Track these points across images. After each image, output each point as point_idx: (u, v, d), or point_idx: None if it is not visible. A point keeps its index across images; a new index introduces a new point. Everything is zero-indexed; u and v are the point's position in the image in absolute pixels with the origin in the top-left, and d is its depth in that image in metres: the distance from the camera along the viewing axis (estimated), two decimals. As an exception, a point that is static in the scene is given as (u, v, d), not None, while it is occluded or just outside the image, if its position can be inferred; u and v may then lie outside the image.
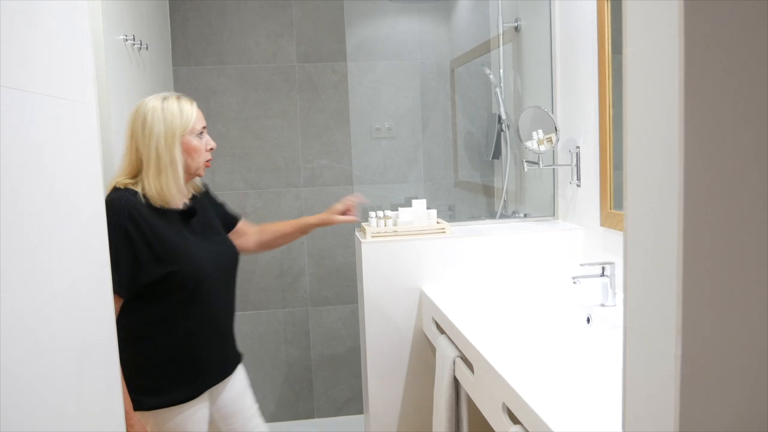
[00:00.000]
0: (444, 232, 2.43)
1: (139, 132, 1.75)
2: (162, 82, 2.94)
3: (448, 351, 1.97)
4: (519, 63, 2.88)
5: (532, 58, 2.78)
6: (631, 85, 0.72)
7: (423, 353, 2.43)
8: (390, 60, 3.14)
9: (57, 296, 1.24)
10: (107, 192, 1.74)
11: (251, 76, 3.25)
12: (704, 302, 0.65)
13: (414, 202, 2.50)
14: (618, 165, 2.18)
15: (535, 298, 2.24)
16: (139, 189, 1.74)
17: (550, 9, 2.57)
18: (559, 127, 2.51)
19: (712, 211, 0.64)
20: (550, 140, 2.45)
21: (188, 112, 1.78)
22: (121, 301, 1.70)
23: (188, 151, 1.79)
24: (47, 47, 1.31)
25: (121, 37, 2.22)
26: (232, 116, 3.26)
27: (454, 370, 1.94)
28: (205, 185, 2.01)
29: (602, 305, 1.99)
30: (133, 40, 2.34)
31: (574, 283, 2.01)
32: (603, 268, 2.00)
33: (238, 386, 2.00)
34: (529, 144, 2.47)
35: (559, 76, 2.59)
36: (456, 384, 1.97)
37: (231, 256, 1.95)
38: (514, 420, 1.42)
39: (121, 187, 1.74)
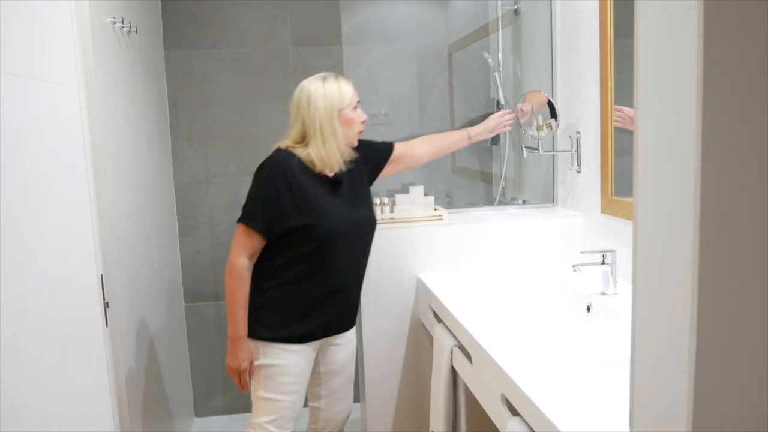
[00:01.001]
0: (442, 219, 2.39)
1: (304, 107, 2.01)
2: (153, 65, 2.88)
3: (445, 340, 1.94)
4: (518, 47, 2.83)
5: (532, 41, 2.72)
6: (643, 62, 0.67)
7: (420, 342, 2.40)
8: (386, 44, 3.09)
9: (39, 286, 1.20)
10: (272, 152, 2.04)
11: (245, 60, 3.19)
12: (721, 294, 0.61)
13: (411, 188, 2.46)
14: (619, 151, 2.13)
15: (534, 287, 2.21)
16: (299, 153, 2.00)
17: (550, -9, 2.52)
18: (560, 112, 2.46)
19: (732, 197, 0.60)
20: (549, 126, 2.41)
21: (345, 90, 2.02)
22: (263, 243, 1.98)
23: (346, 122, 2.03)
24: (29, 29, 1.26)
25: (110, 19, 2.16)
26: (226, 101, 3.20)
27: (451, 360, 1.91)
28: (361, 143, 2.16)
29: (603, 293, 1.95)
30: (122, 23, 2.28)
31: (574, 271, 1.97)
32: (603, 256, 1.96)
33: (350, 350, 2.22)
34: (528, 129, 2.43)
35: (560, 60, 2.54)
36: (453, 374, 1.94)
37: (367, 223, 2.13)
38: (514, 412, 1.39)
39: (284, 148, 2.03)
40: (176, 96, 3.16)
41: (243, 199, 3.23)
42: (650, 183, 0.67)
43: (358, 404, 2.44)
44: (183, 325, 3.25)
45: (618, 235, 2.13)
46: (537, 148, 2.46)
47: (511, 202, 2.78)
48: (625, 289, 1.97)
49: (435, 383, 2.04)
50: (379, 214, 2.38)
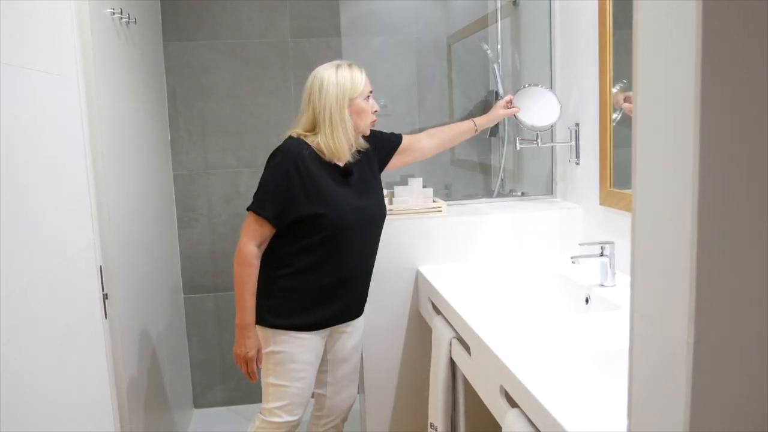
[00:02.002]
0: (440, 211, 2.39)
1: (316, 95, 2.00)
2: (151, 57, 2.87)
3: (444, 332, 1.94)
4: (517, 38, 2.82)
5: (531, 33, 2.72)
6: (642, 55, 0.67)
7: (419, 334, 2.40)
8: (385, 35, 3.07)
9: (38, 278, 1.20)
10: (283, 140, 2.03)
11: (244, 51, 3.18)
12: (719, 286, 0.61)
13: (410, 180, 2.46)
14: (618, 143, 2.13)
15: (532, 278, 2.21)
16: (311, 141, 1.99)
17: (549, -18, 2.51)
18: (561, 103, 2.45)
19: (730, 189, 0.60)
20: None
21: (358, 79, 2.01)
22: (273, 231, 1.98)
23: (357, 112, 2.02)
24: (27, 20, 1.26)
25: (108, 10, 2.15)
26: (225, 93, 3.20)
27: (450, 352, 1.91)
28: (371, 132, 2.16)
29: (601, 285, 1.96)
30: (121, 13, 2.27)
31: (573, 263, 1.97)
32: (602, 248, 1.97)
33: (357, 338, 2.22)
34: (526, 120, 2.41)
35: (559, 52, 2.53)
36: (452, 365, 1.94)
37: (377, 212, 2.14)
38: (512, 403, 1.39)
39: (295, 136, 2.01)
40: (175, 87, 3.15)
41: (242, 191, 3.25)
42: (649, 175, 0.67)
43: (358, 395, 2.45)
44: (182, 316, 3.25)
45: (617, 226, 2.14)
46: (536, 140, 2.45)
47: (510, 194, 2.78)
48: (623, 281, 1.97)
49: (434, 375, 2.05)
50: (379, 205, 2.38)
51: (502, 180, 2.83)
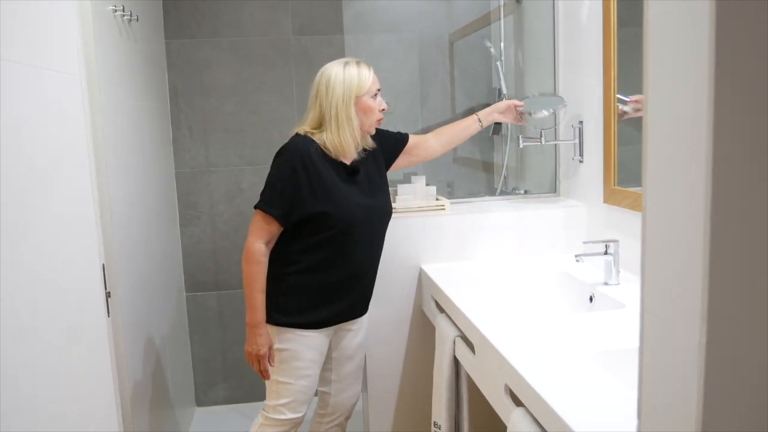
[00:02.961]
0: (444, 209, 2.39)
1: (323, 92, 1.99)
2: (153, 54, 2.87)
3: (447, 330, 1.93)
4: (520, 36, 2.81)
5: (534, 30, 2.71)
6: (653, 51, 0.66)
7: (423, 332, 2.39)
8: (388, 33, 3.06)
9: (41, 276, 1.19)
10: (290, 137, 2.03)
11: (246, 49, 3.17)
12: (732, 286, 0.60)
13: (413, 178, 2.45)
14: (622, 141, 2.12)
15: (536, 277, 2.21)
16: (317, 139, 1.99)
17: (553, -21, 2.50)
18: (567, 103, 2.44)
19: (744, 187, 0.59)
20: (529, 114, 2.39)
21: (365, 76, 2.00)
22: (280, 229, 1.98)
23: (364, 110, 2.01)
24: (31, 18, 1.25)
25: (111, 8, 2.14)
26: (227, 91, 3.19)
27: (454, 350, 1.90)
28: (378, 131, 2.16)
29: (605, 284, 1.95)
30: (123, 11, 2.26)
31: (577, 261, 1.97)
32: (606, 246, 1.96)
33: (362, 336, 2.23)
34: (529, 116, 2.40)
35: (562, 50, 2.52)
36: (456, 364, 1.94)
37: (383, 211, 2.13)
38: (517, 402, 1.39)
39: (302, 134, 2.00)
40: (177, 85, 3.14)
41: (244, 189, 3.24)
42: (660, 172, 0.67)
43: (361, 393, 2.45)
44: (184, 314, 3.25)
45: (620, 225, 2.13)
46: (540, 138, 2.44)
47: (513, 192, 2.77)
48: (627, 279, 1.96)
49: (437, 373, 2.04)
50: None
51: (505, 178, 2.82)
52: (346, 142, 1.98)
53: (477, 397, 1.89)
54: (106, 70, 2.06)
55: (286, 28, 3.18)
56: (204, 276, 3.30)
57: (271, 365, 2.03)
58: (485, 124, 2.34)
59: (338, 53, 3.16)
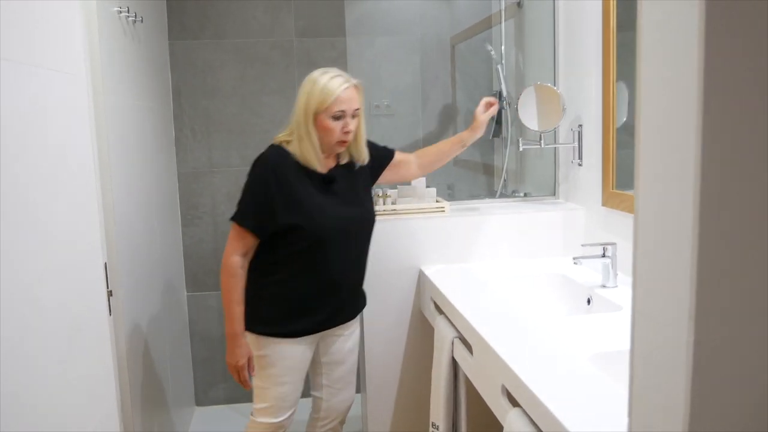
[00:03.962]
0: (443, 211, 2.40)
1: (297, 98, 1.95)
2: (157, 56, 2.89)
3: (446, 332, 1.95)
4: (521, 39, 2.83)
5: (535, 34, 2.72)
6: (645, 56, 0.68)
7: (421, 334, 2.41)
8: (389, 36, 3.08)
9: (46, 274, 1.21)
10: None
11: (249, 50, 3.19)
12: (720, 286, 0.62)
13: (413, 180, 2.46)
14: (621, 144, 2.14)
15: (535, 279, 2.22)
16: (291, 148, 1.96)
17: (553, -16, 2.52)
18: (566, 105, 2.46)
19: (731, 189, 0.61)
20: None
21: (329, 93, 1.90)
22: (257, 240, 1.97)
23: (321, 128, 1.93)
24: (36, 18, 1.27)
25: (115, 9, 2.16)
26: (229, 92, 3.21)
27: (452, 351, 1.92)
28: (370, 145, 2.12)
29: (603, 286, 1.97)
30: (128, 12, 2.28)
31: (575, 263, 1.98)
32: (604, 249, 1.97)
33: (353, 341, 2.20)
34: (527, 121, 2.42)
35: (562, 53, 2.54)
36: (454, 365, 1.95)
37: (362, 221, 2.08)
38: (514, 402, 1.40)
39: (277, 144, 1.98)
40: (180, 86, 3.16)
41: (246, 190, 3.25)
42: (651, 175, 0.68)
43: (359, 395, 2.46)
44: (185, 314, 3.26)
45: (619, 228, 2.14)
46: (539, 142, 2.46)
47: (513, 194, 2.79)
48: (625, 282, 1.98)
49: (436, 374, 2.05)
50: (381, 205, 2.39)
51: (505, 181, 2.83)
52: (308, 155, 1.94)
53: (475, 398, 1.91)
54: (111, 71, 2.08)
55: (288, 30, 3.20)
56: (205, 276, 3.31)
57: (251, 375, 2.05)
58: (469, 143, 2.27)
59: (340, 55, 3.18)
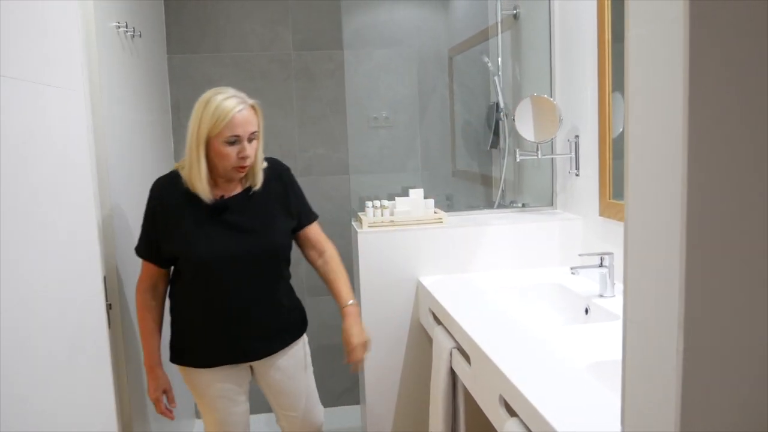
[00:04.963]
0: (441, 222, 2.41)
1: (190, 121, 1.82)
2: (156, 70, 2.91)
3: (444, 342, 1.95)
4: (518, 51, 2.85)
5: (531, 46, 2.74)
6: (633, 70, 0.69)
7: (420, 344, 2.41)
8: (387, 48, 3.11)
9: (44, 287, 1.22)
10: None
11: (247, 64, 3.21)
12: (708, 295, 0.63)
13: (411, 191, 2.48)
14: (617, 154, 2.15)
15: (533, 289, 2.23)
16: (183, 173, 1.85)
17: (549, -4, 2.54)
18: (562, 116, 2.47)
19: (717, 200, 0.62)
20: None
21: (221, 116, 1.76)
22: (161, 269, 1.94)
23: (215, 154, 1.81)
24: (34, 34, 1.28)
25: (114, 24, 2.18)
26: (228, 105, 3.22)
27: (450, 362, 1.92)
28: (282, 174, 2.00)
29: (601, 296, 1.97)
30: (126, 27, 2.30)
31: (573, 273, 1.99)
32: (602, 259, 1.98)
33: (289, 371, 2.06)
34: (524, 132, 2.43)
35: (558, 65, 2.56)
36: (453, 375, 1.95)
37: (257, 249, 1.91)
38: (512, 412, 1.41)
39: (175, 169, 1.89)
40: (179, 99, 3.18)
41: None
42: (640, 186, 0.69)
43: (358, 406, 2.45)
44: (185, 327, 3.26)
45: (616, 237, 2.15)
46: (536, 152, 2.47)
47: (511, 205, 2.80)
48: (622, 291, 1.98)
49: (434, 385, 2.06)
50: (379, 217, 2.40)
51: (502, 191, 2.85)
52: (195, 182, 1.82)
53: (473, 408, 1.91)
54: (110, 86, 2.09)
55: (287, 43, 3.23)
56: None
57: (171, 406, 2.02)
58: (343, 316, 2.05)
59: (338, 68, 3.20)
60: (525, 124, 2.43)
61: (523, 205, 2.74)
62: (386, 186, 2.60)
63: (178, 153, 3.20)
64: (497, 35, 2.87)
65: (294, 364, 2.08)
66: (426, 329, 2.32)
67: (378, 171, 3.05)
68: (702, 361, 0.64)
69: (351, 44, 3.05)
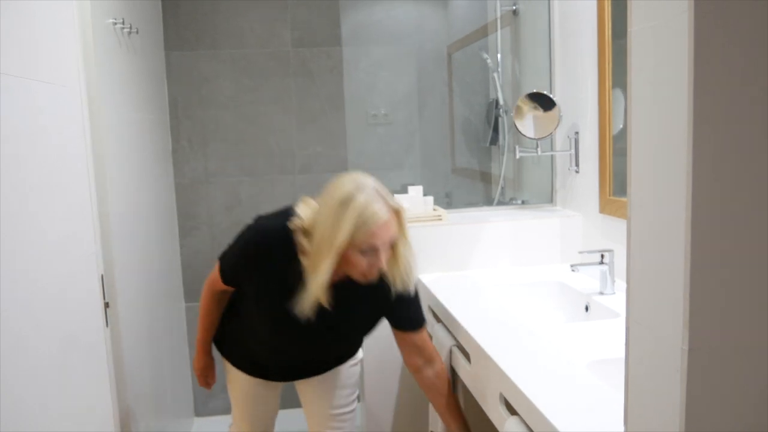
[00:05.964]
0: (441, 219, 2.40)
1: (323, 210, 1.56)
2: (153, 66, 2.89)
3: (444, 340, 1.94)
4: (517, 47, 2.84)
5: (531, 42, 2.73)
6: (635, 66, 0.68)
7: (419, 342, 2.40)
8: (386, 45, 3.10)
9: (40, 286, 1.21)
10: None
11: (245, 61, 3.20)
12: (713, 294, 0.62)
13: (410, 188, 2.47)
14: (618, 151, 2.14)
15: (533, 286, 2.22)
16: (301, 239, 1.60)
17: (548, -8, 2.53)
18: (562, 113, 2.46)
19: (722, 198, 0.61)
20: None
21: (363, 226, 1.50)
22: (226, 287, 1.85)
23: (345, 260, 1.56)
24: (30, 31, 1.27)
25: (110, 20, 2.17)
26: (226, 102, 3.21)
27: (450, 360, 1.91)
28: (395, 293, 1.75)
29: (601, 293, 1.96)
30: (123, 24, 2.29)
31: (573, 270, 1.98)
32: (602, 256, 1.97)
33: (325, 386, 2.02)
34: (523, 128, 2.42)
35: (558, 61, 2.54)
36: (452, 373, 1.94)
37: (331, 346, 1.90)
38: (512, 411, 1.40)
39: (291, 227, 1.62)
40: (176, 97, 3.17)
41: (243, 199, 3.26)
42: (643, 183, 0.68)
43: (357, 405, 2.45)
44: (183, 324, 3.26)
45: (616, 234, 2.14)
46: (536, 149, 2.46)
47: (511, 202, 2.79)
48: (623, 288, 1.97)
49: (434, 383, 2.05)
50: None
51: (502, 188, 2.84)
52: (315, 287, 1.57)
53: (473, 406, 1.90)
54: (106, 83, 2.08)
55: (285, 40, 3.21)
56: (202, 286, 3.30)
57: (209, 382, 2.11)
58: None
59: (337, 65, 3.19)
60: (524, 120, 2.41)
61: (523, 202, 2.73)
62: (385, 183, 2.58)
63: (176, 150, 3.19)
64: (496, 31, 2.86)
65: (327, 384, 2.02)
66: (426, 326, 2.31)
67: (377, 168, 3.03)
68: (707, 360, 0.63)
69: (349, 41, 3.04)
